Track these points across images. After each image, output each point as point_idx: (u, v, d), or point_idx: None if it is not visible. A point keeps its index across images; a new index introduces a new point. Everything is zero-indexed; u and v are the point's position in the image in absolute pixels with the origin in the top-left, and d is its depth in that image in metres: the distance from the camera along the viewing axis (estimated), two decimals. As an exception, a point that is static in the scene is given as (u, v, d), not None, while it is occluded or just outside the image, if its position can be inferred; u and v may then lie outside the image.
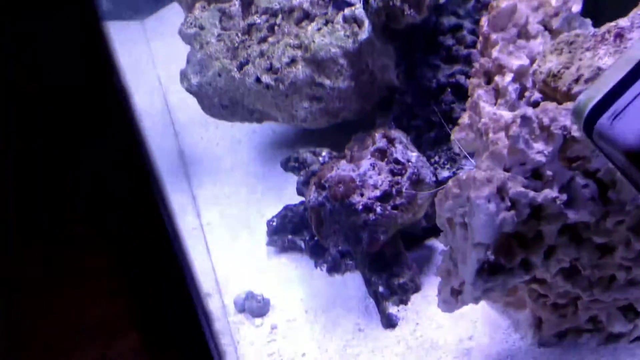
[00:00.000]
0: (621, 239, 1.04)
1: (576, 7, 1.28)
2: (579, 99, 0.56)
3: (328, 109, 1.82)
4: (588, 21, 1.30)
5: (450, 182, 1.02)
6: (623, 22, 1.05)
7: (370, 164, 1.36)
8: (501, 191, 0.99)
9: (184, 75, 1.97)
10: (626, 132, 0.53)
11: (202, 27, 1.95)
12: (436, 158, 1.49)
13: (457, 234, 1.04)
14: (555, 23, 1.26)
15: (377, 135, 1.42)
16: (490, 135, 1.04)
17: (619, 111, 0.55)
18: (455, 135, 1.32)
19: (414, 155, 1.41)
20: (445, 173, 1.44)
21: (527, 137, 0.99)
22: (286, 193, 1.88)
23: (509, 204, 0.99)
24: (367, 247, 1.33)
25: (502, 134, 1.02)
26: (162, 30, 3.17)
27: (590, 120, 0.56)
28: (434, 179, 1.41)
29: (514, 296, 1.20)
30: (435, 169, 1.46)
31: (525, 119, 0.98)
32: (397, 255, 1.40)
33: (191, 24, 1.96)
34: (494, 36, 1.23)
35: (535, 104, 1.20)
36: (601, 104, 0.56)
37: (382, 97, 1.77)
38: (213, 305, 1.57)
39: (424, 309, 1.35)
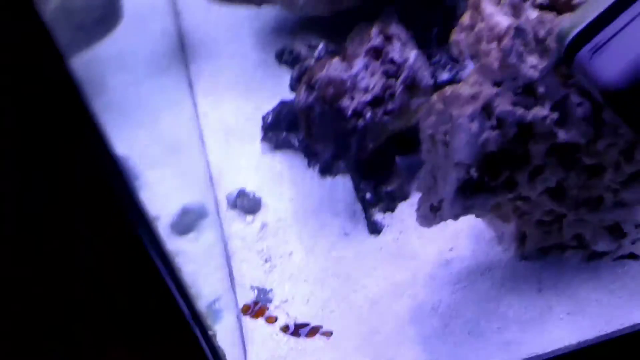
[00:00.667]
0: (611, 161, 0.99)
1: None
2: (563, 24, 0.51)
3: (330, -5, 1.70)
4: None
5: (434, 97, 0.96)
6: None
7: (364, 65, 1.29)
8: (487, 109, 0.93)
9: (178, -46, 1.83)
10: (604, 70, 0.48)
11: None
12: (437, 57, 1.40)
13: (438, 151, 1.00)
14: None
15: (374, 31, 1.33)
16: (483, 44, 0.96)
17: (599, 45, 0.49)
18: (455, 36, 1.23)
19: (412, 53, 1.33)
20: (445, 75, 1.37)
21: (521, 49, 0.91)
22: (284, 83, 1.82)
23: (494, 122, 0.94)
24: (356, 154, 1.30)
25: (494, 45, 0.94)
26: None
27: (571, 49, 0.51)
28: (431, 82, 1.34)
29: (499, 211, 1.18)
30: (435, 69, 1.38)
31: (519, 31, 0.89)
32: (387, 162, 1.37)
33: None
34: None
35: (541, 7, 1.09)
36: (583, 34, 0.50)
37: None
38: (206, 200, 1.59)
39: (409, 217, 1.34)
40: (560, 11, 0.95)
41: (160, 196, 1.62)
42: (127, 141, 1.80)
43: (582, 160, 1.00)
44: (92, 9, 1.79)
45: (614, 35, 0.47)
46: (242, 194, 1.53)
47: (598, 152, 0.98)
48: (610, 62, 0.47)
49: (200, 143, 1.74)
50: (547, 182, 1.03)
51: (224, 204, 1.56)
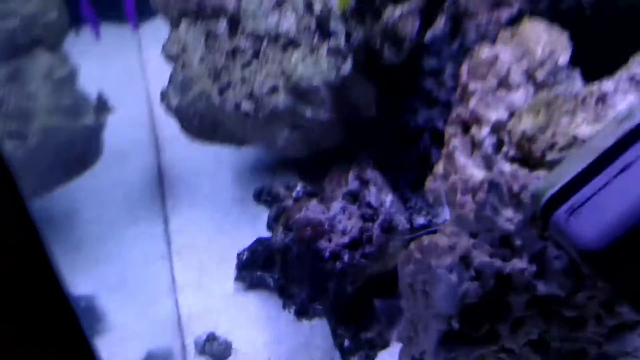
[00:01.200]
0: (592, 314, 0.98)
1: (563, 59, 1.22)
2: (538, 185, 0.51)
3: (308, 138, 1.76)
4: (576, 73, 1.24)
5: (412, 246, 0.96)
6: (606, 85, 0.99)
7: (341, 207, 1.30)
8: (465, 260, 0.93)
9: (164, 95, 1.91)
10: (582, 231, 0.47)
11: (185, 48, 1.89)
12: (413, 202, 1.43)
13: (418, 300, 0.97)
14: (539, 75, 1.20)
15: (351, 176, 1.36)
16: (458, 196, 0.98)
17: (576, 206, 0.49)
18: (429, 185, 1.26)
19: (388, 198, 1.35)
20: (420, 220, 1.38)
21: (496, 203, 0.93)
22: (262, 221, 1.82)
23: (473, 273, 0.93)
24: (334, 297, 1.27)
25: (469, 197, 0.96)
26: (158, 37, 3.12)
27: (547, 210, 0.50)
28: (407, 225, 1.35)
29: (481, 362, 1.14)
30: (411, 214, 1.40)
31: (493, 185, 0.92)
32: (366, 307, 1.33)
33: (174, 43, 1.90)
34: (472, 86, 1.17)
35: (513, 159, 1.14)
36: (559, 195, 0.50)
37: (365, 131, 1.71)
38: (173, 344, 1.51)
39: (389, 366, 1.29)
40: (533, 166, 0.99)
41: (124, 340, 1.54)
42: (95, 279, 1.76)
43: (563, 313, 0.98)
44: (73, 145, 1.82)
45: (591, 196, 0.48)
46: (211, 337, 1.46)
47: (578, 305, 0.97)
48: (587, 223, 0.47)
49: (170, 281, 1.69)
50: (529, 335, 1.00)
51: (192, 349, 1.48)
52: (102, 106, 2.63)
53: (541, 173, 0.93)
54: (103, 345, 1.54)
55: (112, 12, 3.36)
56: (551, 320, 1.00)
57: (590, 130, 0.92)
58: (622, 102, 0.96)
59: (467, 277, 0.92)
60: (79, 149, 1.85)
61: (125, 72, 2.98)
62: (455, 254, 0.91)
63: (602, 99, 0.96)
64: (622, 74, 1.02)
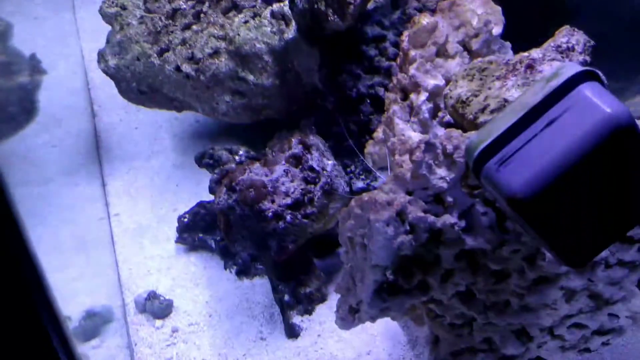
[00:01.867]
0: (516, 267, 1.06)
1: (497, 30, 1.29)
2: (471, 139, 0.55)
3: (251, 104, 1.77)
4: (508, 44, 1.31)
5: (352, 202, 1.01)
6: (535, 53, 1.06)
7: (284, 170, 1.33)
8: (401, 215, 0.98)
9: (101, 56, 1.86)
10: (510, 180, 0.52)
11: (124, 7, 1.84)
12: (352, 167, 1.47)
13: (357, 253, 1.03)
14: (474, 44, 1.26)
15: (294, 140, 1.39)
16: (396, 156, 1.03)
17: (505, 157, 0.53)
18: (369, 149, 1.31)
19: (329, 163, 1.40)
20: (359, 184, 1.43)
21: (431, 162, 0.98)
22: (203, 187, 1.82)
23: (408, 227, 0.99)
24: (276, 256, 1.31)
25: (407, 157, 1.01)
26: (92, -2, 3.01)
27: (479, 162, 0.54)
28: (347, 189, 1.40)
29: (414, 314, 1.21)
30: (351, 178, 1.45)
31: (429, 145, 0.97)
32: (305, 264, 1.38)
33: (112, 2, 1.85)
34: (412, 53, 1.22)
35: (448, 125, 1.20)
36: (490, 148, 0.54)
37: (308, 98, 1.74)
38: (113, 303, 1.50)
39: (328, 320, 1.34)
40: (465, 129, 1.06)
41: (63, 300, 1.52)
42: (33, 240, 1.71)
43: (489, 266, 1.06)
44: (6, 104, 1.75)
45: (519, 149, 0.52)
46: (152, 296, 1.47)
47: (503, 258, 1.05)
48: (515, 174, 0.51)
49: (110, 243, 1.68)
50: (457, 286, 1.07)
51: (132, 308, 1.49)
52: (35, 67, 2.54)
53: (474, 134, 0.99)
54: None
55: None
56: (478, 273, 1.07)
57: (519, 94, 0.99)
58: (549, 69, 1.03)
59: (402, 231, 0.98)
60: (13, 108, 1.78)
61: (59, 33, 2.86)
62: (392, 209, 0.96)
63: (530, 65, 1.03)
64: (550, 43, 1.09)
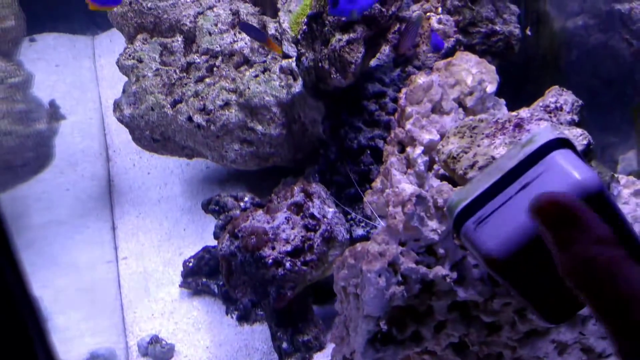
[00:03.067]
0: (507, 319, 1.08)
1: (490, 88, 1.34)
2: (451, 199, 0.58)
3: (259, 153, 1.84)
4: (502, 102, 1.37)
5: (346, 252, 1.05)
6: (524, 112, 1.12)
7: (285, 218, 1.38)
8: (393, 266, 1.01)
9: (117, 106, 1.95)
10: (486, 240, 0.55)
11: (140, 60, 1.94)
12: (353, 215, 1.52)
13: (350, 302, 1.06)
14: (469, 101, 1.32)
15: (296, 189, 1.44)
16: (390, 208, 1.07)
17: (482, 218, 0.57)
18: (368, 198, 1.35)
19: (330, 210, 1.44)
20: (359, 231, 1.47)
21: (423, 215, 1.02)
22: (209, 232, 1.87)
23: (400, 278, 1.02)
24: (274, 302, 1.34)
25: (400, 209, 1.05)
26: (112, 47, 3.14)
27: (458, 221, 0.58)
28: (347, 236, 1.43)
29: (408, 364, 1.22)
30: (351, 225, 1.49)
31: (420, 198, 1.02)
32: (304, 311, 1.40)
33: (130, 55, 1.95)
34: (409, 109, 1.28)
35: (443, 177, 1.25)
36: (468, 208, 0.57)
37: (313, 147, 1.80)
38: (116, 346, 1.53)
39: (324, 368, 1.36)
40: (457, 183, 1.10)
41: (68, 341, 1.55)
42: (41, 281, 1.77)
43: (481, 318, 1.08)
44: (24, 149, 1.84)
45: (494, 210, 0.56)
46: (154, 340, 1.50)
47: (495, 311, 1.07)
48: (490, 234, 0.55)
49: (117, 286, 1.72)
50: (450, 337, 1.09)
51: (135, 351, 1.52)
52: (54, 113, 2.65)
53: (453, 194, 1.04)
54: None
55: (66, 23, 3.37)
56: (471, 324, 1.09)
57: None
58: (536, 128, 1.08)
59: (394, 282, 1.01)
60: (30, 154, 1.86)
61: (79, 80, 2.99)
62: (384, 260, 1.00)
63: (519, 124, 1.08)
64: (538, 103, 1.15)
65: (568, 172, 0.53)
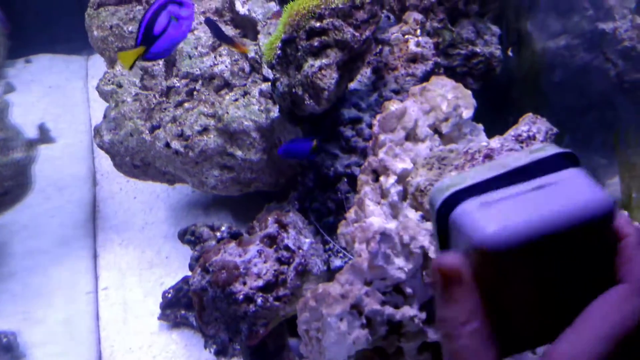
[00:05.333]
0: (481, 360, 1.03)
1: (467, 114, 1.30)
2: (441, 182, 0.51)
3: (239, 178, 1.80)
4: (480, 127, 1.32)
5: (308, 293, 1.00)
6: (494, 142, 1.07)
7: (257, 251, 1.33)
8: (357, 307, 0.97)
9: (97, 131, 1.93)
10: (489, 223, 0.48)
11: (119, 85, 1.92)
12: (332, 245, 1.47)
13: (314, 346, 1.01)
14: (444, 128, 1.27)
15: (270, 219, 1.40)
16: (356, 244, 1.03)
17: (486, 201, 0.50)
18: (342, 229, 1.31)
19: (306, 242, 1.39)
20: (337, 262, 1.42)
21: (389, 253, 0.98)
22: (193, 259, 1.84)
23: (364, 321, 0.97)
24: (246, 340, 1.29)
25: (364, 246, 1.01)
26: (105, 68, 3.13)
27: (449, 202, 0.50)
28: (324, 268, 1.39)
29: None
30: (329, 256, 1.44)
31: (384, 236, 0.97)
32: (279, 348, 1.36)
33: (109, 80, 1.93)
34: (382, 137, 1.24)
35: (419, 206, 1.20)
36: (468, 190, 0.50)
37: (295, 172, 1.76)
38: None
39: (299, 407, 1.31)
40: (427, 219, 1.05)
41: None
42: (22, 313, 1.73)
43: (453, 358, 1.03)
44: (2, 179, 1.81)
45: (503, 199, 0.49)
46: (130, 377, 1.46)
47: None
48: (493, 220, 0.48)
49: (94, 319, 1.68)
50: (422, 379, 1.04)
51: (109, 389, 1.48)
52: (44, 137, 2.63)
53: (429, 225, 0.99)
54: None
55: (63, 44, 3.38)
56: (443, 366, 1.04)
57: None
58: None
59: (357, 325, 0.96)
60: (9, 183, 1.84)
61: (71, 102, 2.98)
62: (346, 302, 0.95)
63: (488, 155, 1.03)
64: (510, 132, 1.10)
65: (593, 185, 0.48)
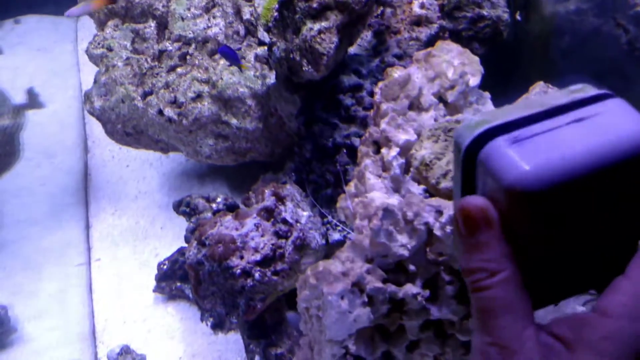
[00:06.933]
0: (485, 338, 1.00)
1: (474, 81, 1.24)
2: (470, 119, 0.46)
3: (234, 148, 1.74)
4: (487, 95, 1.26)
5: (308, 270, 0.96)
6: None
7: (255, 224, 1.29)
8: (358, 285, 0.93)
9: (87, 97, 1.86)
10: (523, 160, 0.43)
11: (110, 49, 1.84)
12: (330, 218, 1.43)
13: (314, 324, 0.97)
14: (450, 96, 1.21)
15: (267, 192, 1.35)
16: (357, 220, 0.98)
17: (520, 138, 0.45)
18: (340, 203, 1.26)
19: (304, 215, 1.35)
20: (336, 236, 1.38)
21: (391, 229, 0.93)
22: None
23: (365, 299, 0.93)
24: (244, 314, 1.26)
25: (366, 222, 0.96)
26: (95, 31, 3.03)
27: (478, 141, 0.45)
28: (322, 242, 1.35)
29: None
30: (327, 229, 1.40)
31: (387, 212, 0.92)
32: (277, 323, 1.33)
33: (99, 44, 1.85)
34: (384, 106, 1.18)
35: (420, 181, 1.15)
36: (501, 127, 0.45)
37: (292, 142, 1.70)
38: (86, 358, 1.47)
39: (297, 382, 1.28)
40: (431, 194, 1.01)
41: (37, 353, 1.49)
42: (13, 287, 1.69)
43: (457, 337, 1.00)
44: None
45: (538, 134, 0.43)
46: (125, 351, 1.43)
47: (471, 329, 0.99)
48: (528, 157, 0.42)
49: (87, 292, 1.65)
50: (424, 358, 1.01)
51: (104, 363, 1.45)
52: (33, 102, 2.55)
53: (433, 201, 0.94)
54: (15, 359, 1.49)
55: (53, 5, 3.25)
56: (446, 343, 1.01)
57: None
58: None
59: (358, 303, 0.92)
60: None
61: (60, 66, 2.89)
62: (347, 280, 0.91)
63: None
64: (521, 102, 1.04)
65: (634, 116, 0.43)
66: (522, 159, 0.41)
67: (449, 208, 0.91)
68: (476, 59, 1.24)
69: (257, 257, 1.25)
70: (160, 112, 1.70)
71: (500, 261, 0.40)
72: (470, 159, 0.43)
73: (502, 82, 1.32)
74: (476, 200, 0.41)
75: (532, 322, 0.39)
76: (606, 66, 1.31)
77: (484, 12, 1.43)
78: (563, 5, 1.35)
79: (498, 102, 1.21)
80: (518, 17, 1.46)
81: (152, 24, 1.86)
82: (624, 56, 1.29)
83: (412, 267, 0.95)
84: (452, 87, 1.22)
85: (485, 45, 1.45)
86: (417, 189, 1.10)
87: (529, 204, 0.40)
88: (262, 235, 1.28)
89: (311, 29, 1.30)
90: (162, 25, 1.86)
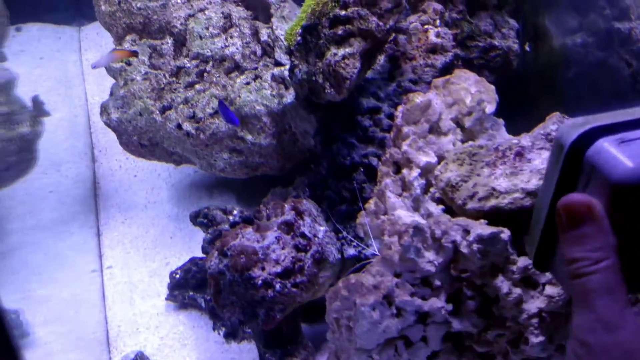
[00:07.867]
0: (500, 350, 1.06)
1: (490, 108, 1.31)
2: (575, 119, 0.51)
3: (248, 162, 1.80)
4: (501, 122, 1.34)
5: (340, 282, 1.01)
6: (525, 140, 1.09)
7: (276, 237, 1.34)
8: (388, 298, 0.99)
9: (104, 109, 1.90)
10: (627, 161, 0.49)
11: (128, 63, 1.89)
12: (344, 233, 1.48)
13: (342, 334, 1.03)
14: (467, 122, 1.29)
15: (287, 206, 1.41)
16: (386, 237, 1.04)
17: (627, 139, 0.50)
18: (360, 220, 1.32)
19: (321, 230, 1.40)
20: (351, 251, 1.44)
21: (420, 246, 0.99)
22: (197, 241, 1.83)
23: (394, 311, 0.99)
24: (263, 324, 1.30)
25: (395, 239, 1.02)
26: (99, 41, 3.06)
27: (584, 138, 0.50)
28: (338, 256, 1.40)
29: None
30: (342, 244, 1.45)
31: (417, 230, 0.99)
32: (294, 333, 1.37)
33: (118, 57, 1.89)
34: (405, 129, 1.25)
35: (439, 201, 1.22)
36: (608, 127, 0.51)
37: (303, 158, 1.77)
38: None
39: (313, 392, 1.33)
40: (452, 214, 1.07)
41: (47, 354, 1.51)
42: (23, 292, 1.71)
43: (475, 348, 1.06)
44: (6, 154, 1.78)
45: None
46: (139, 357, 1.46)
47: (488, 341, 1.05)
48: (636, 156, 0.48)
49: (100, 297, 1.68)
50: (444, 368, 1.07)
51: (119, 368, 1.48)
52: (38, 110, 2.57)
53: (461, 220, 1.01)
54: (25, 361, 1.51)
55: (51, 13, 3.28)
56: (464, 355, 1.07)
57: (507, 183, 1.01)
58: (538, 158, 1.05)
59: (388, 315, 0.98)
60: (12, 158, 1.81)
61: (64, 75, 2.92)
62: (378, 293, 0.97)
63: (520, 153, 1.05)
64: (539, 130, 1.11)
65: None
66: (628, 158, 0.47)
67: (475, 227, 0.98)
68: (492, 87, 1.32)
69: (278, 269, 1.30)
70: (179, 126, 1.75)
71: (605, 250, 0.46)
72: (574, 155, 0.48)
73: (510, 109, 1.40)
74: (579, 197, 0.47)
75: (629, 304, 0.46)
76: (611, 98, 1.40)
77: (496, 43, 1.51)
78: (571, 39, 1.44)
79: (507, 128, 1.29)
80: (527, 48, 1.55)
81: (169, 40, 1.92)
82: (628, 87, 1.37)
83: (437, 283, 1.01)
84: (469, 114, 1.30)
85: (496, 73, 1.53)
86: (435, 208, 1.17)
87: (631, 199, 0.45)
88: (283, 248, 1.33)
89: (335, 54, 1.37)
90: (179, 42, 1.92)
